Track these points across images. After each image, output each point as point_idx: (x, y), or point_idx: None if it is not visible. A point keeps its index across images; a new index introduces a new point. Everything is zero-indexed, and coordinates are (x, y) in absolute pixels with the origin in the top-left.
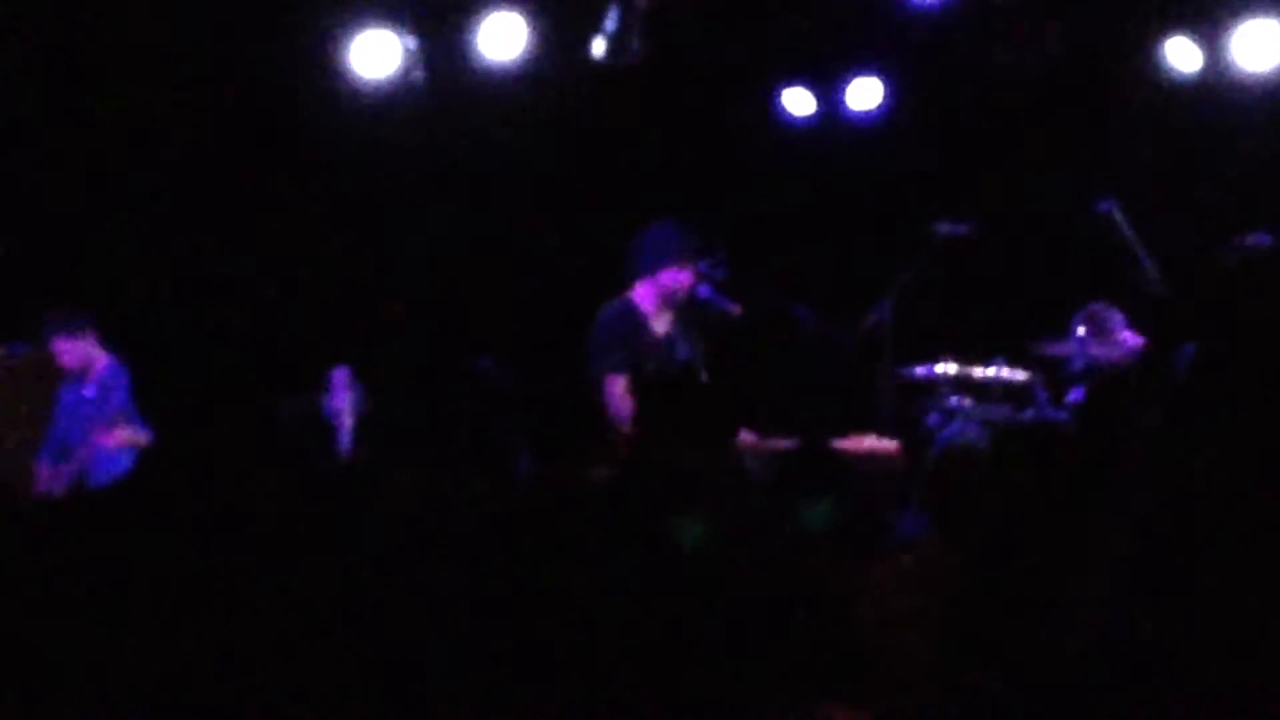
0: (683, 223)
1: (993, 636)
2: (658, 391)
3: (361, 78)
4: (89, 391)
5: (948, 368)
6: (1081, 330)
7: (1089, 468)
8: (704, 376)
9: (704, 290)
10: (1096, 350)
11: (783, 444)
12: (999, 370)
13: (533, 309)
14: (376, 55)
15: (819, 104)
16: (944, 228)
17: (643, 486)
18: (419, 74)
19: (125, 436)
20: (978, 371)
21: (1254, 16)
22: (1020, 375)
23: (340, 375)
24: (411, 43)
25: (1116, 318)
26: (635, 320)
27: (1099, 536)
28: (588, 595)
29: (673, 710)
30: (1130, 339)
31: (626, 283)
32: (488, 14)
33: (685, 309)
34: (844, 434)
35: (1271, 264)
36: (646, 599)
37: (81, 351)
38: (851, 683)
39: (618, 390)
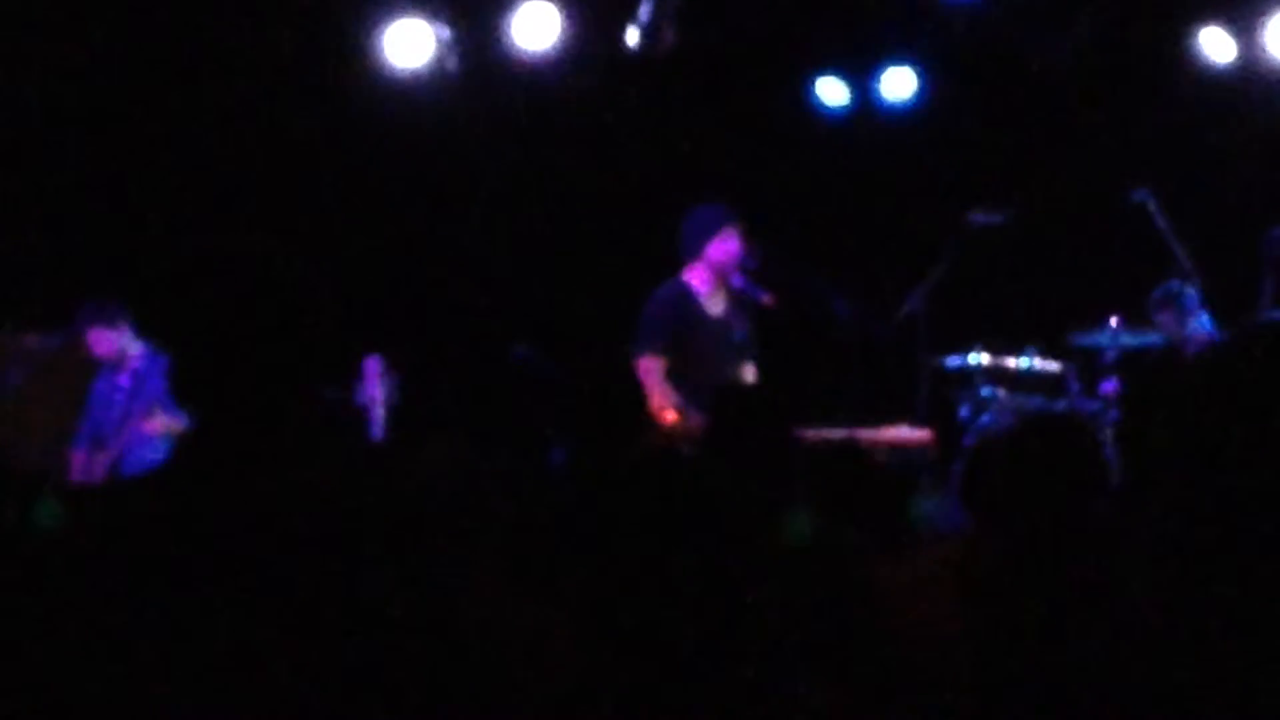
0: (719, 202)
1: (1030, 630)
2: (732, 401)
3: (395, 67)
4: (124, 380)
5: (981, 358)
6: (1137, 312)
7: (1134, 456)
8: (754, 361)
9: (737, 280)
10: (1130, 338)
11: (821, 435)
12: (1032, 360)
13: (566, 298)
14: (410, 45)
15: (853, 94)
16: (978, 217)
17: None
18: (452, 64)
19: (161, 424)
20: (1011, 362)
21: None
22: (1053, 366)
23: (373, 364)
24: (445, 32)
25: (1193, 296)
26: (688, 302)
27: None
28: (625, 580)
29: (696, 704)
30: (1204, 321)
31: (676, 270)
32: (521, 3)
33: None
34: (877, 424)
35: None
36: (677, 587)
37: (117, 341)
38: (879, 679)
39: (649, 372)
